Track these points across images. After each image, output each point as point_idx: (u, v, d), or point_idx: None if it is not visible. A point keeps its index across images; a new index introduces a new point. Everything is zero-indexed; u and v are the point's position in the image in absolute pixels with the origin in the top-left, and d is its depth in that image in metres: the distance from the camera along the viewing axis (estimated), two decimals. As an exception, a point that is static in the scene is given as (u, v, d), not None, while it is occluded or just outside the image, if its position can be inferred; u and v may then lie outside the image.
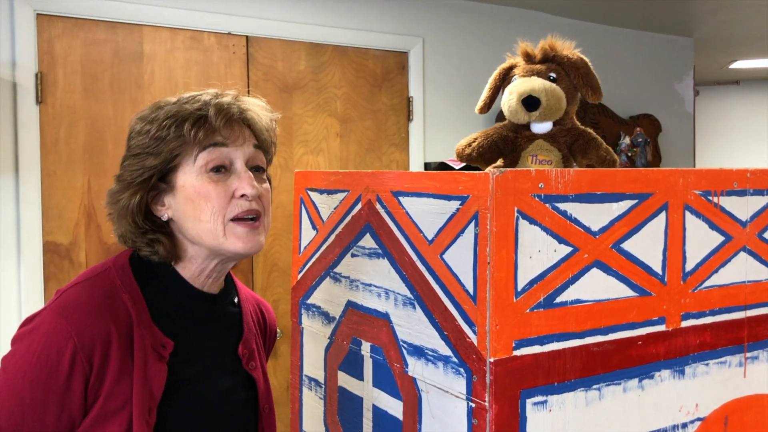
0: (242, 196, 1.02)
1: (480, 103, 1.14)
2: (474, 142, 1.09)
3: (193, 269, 1.08)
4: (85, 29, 2.34)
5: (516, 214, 0.74)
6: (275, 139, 1.14)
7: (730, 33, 4.01)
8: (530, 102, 1.02)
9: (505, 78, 1.13)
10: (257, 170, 1.07)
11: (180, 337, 1.04)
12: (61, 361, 0.93)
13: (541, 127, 1.06)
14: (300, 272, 1.16)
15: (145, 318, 1.01)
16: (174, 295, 1.07)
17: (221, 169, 1.02)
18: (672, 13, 3.47)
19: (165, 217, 1.05)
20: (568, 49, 1.08)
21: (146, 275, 1.05)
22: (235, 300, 1.17)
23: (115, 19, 2.38)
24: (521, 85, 1.04)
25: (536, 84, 1.03)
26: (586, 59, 1.08)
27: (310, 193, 1.13)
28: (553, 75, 1.06)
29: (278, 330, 2.62)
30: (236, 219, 1.02)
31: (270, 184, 1.16)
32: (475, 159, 1.09)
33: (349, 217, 1.01)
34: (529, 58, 1.10)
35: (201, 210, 1.01)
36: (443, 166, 2.87)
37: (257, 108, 1.09)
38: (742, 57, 4.79)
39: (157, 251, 1.05)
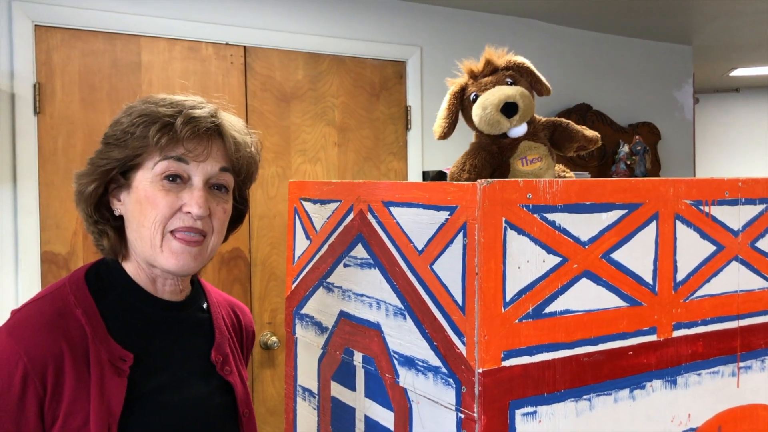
0: (187, 213, 1.00)
1: (440, 130, 1.10)
2: (465, 164, 1.08)
3: (143, 275, 1.07)
4: (83, 40, 2.35)
5: (504, 225, 0.74)
6: (256, 160, 1.11)
7: (730, 40, 4.01)
8: (509, 108, 1.03)
9: (461, 100, 1.13)
10: (219, 188, 1.05)
11: (142, 348, 1.03)
12: (12, 383, 0.92)
13: (518, 131, 1.07)
14: (294, 282, 1.16)
15: (101, 332, 0.99)
16: (134, 306, 1.05)
17: (177, 179, 1.01)
18: (670, 20, 3.47)
19: (117, 212, 1.06)
20: (503, 57, 1.09)
21: (103, 289, 1.04)
22: (204, 306, 1.16)
23: (113, 30, 2.39)
24: (492, 96, 1.04)
25: (508, 91, 1.04)
26: (525, 59, 1.10)
27: (304, 203, 1.13)
28: (510, 80, 1.07)
29: (276, 339, 2.63)
30: (175, 231, 1.01)
31: (245, 206, 1.15)
32: (474, 180, 1.09)
33: (341, 227, 1.02)
34: (475, 74, 1.10)
35: (145, 215, 1.00)
36: (441, 175, 2.87)
37: (232, 126, 1.06)
38: (742, 64, 4.80)
39: (103, 244, 1.06)
